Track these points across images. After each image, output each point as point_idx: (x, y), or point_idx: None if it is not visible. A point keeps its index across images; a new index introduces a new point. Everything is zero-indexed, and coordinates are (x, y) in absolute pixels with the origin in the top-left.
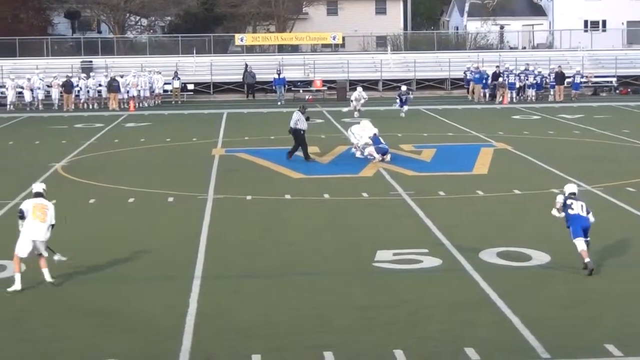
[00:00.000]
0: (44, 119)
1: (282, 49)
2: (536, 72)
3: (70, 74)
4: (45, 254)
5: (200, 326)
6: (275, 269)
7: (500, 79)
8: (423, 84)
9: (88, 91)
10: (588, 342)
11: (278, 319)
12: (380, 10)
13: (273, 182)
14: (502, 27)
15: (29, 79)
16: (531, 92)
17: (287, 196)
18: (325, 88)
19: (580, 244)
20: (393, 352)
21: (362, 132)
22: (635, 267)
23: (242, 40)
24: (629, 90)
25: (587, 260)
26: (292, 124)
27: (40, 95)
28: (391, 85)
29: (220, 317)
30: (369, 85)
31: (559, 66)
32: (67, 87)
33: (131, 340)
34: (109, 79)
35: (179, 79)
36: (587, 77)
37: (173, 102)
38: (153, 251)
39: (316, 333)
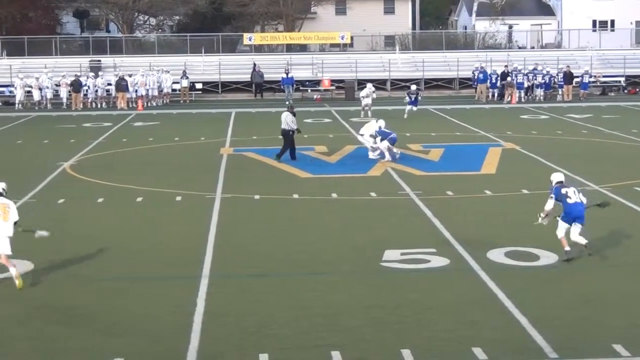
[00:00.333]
0: (53, 118)
1: (290, 48)
2: (544, 72)
3: (78, 73)
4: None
5: (208, 325)
6: (283, 269)
7: (509, 79)
8: (431, 84)
9: (96, 90)
10: (596, 342)
11: (286, 318)
12: (389, 10)
13: (281, 182)
14: (510, 27)
15: (37, 78)
16: (539, 92)
17: (295, 196)
18: (333, 87)
19: (561, 232)
20: (400, 351)
21: (365, 131)
22: None
23: (250, 40)
24: (637, 90)
25: (567, 248)
26: (283, 126)
27: (49, 94)
28: (399, 84)
29: (227, 316)
30: (378, 85)
31: (568, 66)
32: (76, 86)
33: (139, 340)
34: (117, 78)
35: (187, 78)
36: (595, 76)
37: (181, 102)
38: (161, 250)
39: (324, 332)
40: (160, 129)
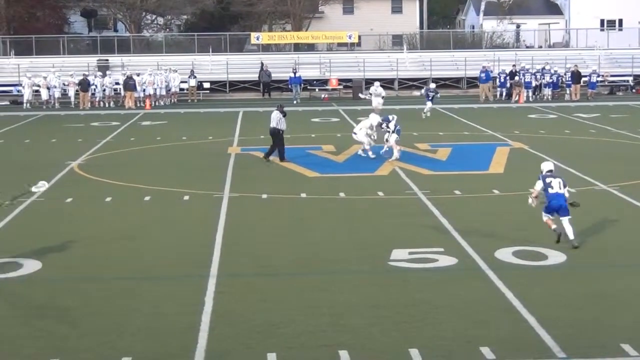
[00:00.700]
0: (61, 117)
1: (298, 47)
2: (552, 71)
3: (86, 73)
4: None
5: (216, 324)
6: (291, 268)
7: (517, 78)
8: (439, 83)
9: (104, 90)
10: (604, 342)
11: (293, 317)
12: (396, 9)
13: (288, 181)
14: (518, 26)
15: (45, 78)
16: (547, 91)
17: (303, 195)
18: (341, 87)
19: (545, 217)
20: (408, 350)
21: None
22: None
23: (258, 39)
24: None
25: (553, 227)
26: (273, 124)
27: (57, 93)
28: (407, 84)
29: (235, 316)
30: (385, 84)
31: (575, 65)
32: (84, 85)
33: (146, 339)
34: (125, 77)
35: (195, 77)
36: (603, 76)
37: (189, 101)
38: (168, 249)
39: (331, 332)
40: (168, 128)
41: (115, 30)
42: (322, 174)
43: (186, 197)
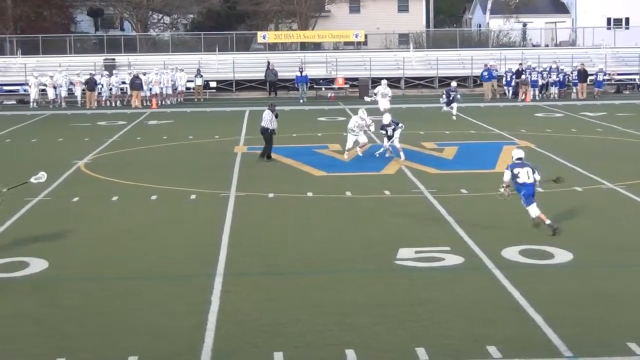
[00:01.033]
0: (67, 116)
1: (304, 46)
2: (559, 70)
3: (93, 72)
4: None
5: (222, 324)
6: (297, 267)
7: (523, 77)
8: (445, 82)
9: (111, 89)
10: (611, 341)
11: (300, 316)
12: (403, 8)
13: (295, 180)
14: (524, 25)
15: (51, 77)
16: (554, 90)
17: (309, 194)
18: (347, 86)
19: (533, 210)
20: (415, 350)
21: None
22: None
23: (264, 38)
24: None
25: (548, 222)
26: (263, 123)
27: (64, 92)
28: (413, 83)
29: (241, 315)
30: (392, 83)
31: (582, 64)
32: (90, 84)
33: (153, 338)
34: (132, 76)
35: (201, 76)
36: (610, 74)
37: (195, 100)
38: (175, 248)
39: (338, 331)
40: (174, 127)
41: (122, 30)
42: (329, 173)
43: (193, 196)
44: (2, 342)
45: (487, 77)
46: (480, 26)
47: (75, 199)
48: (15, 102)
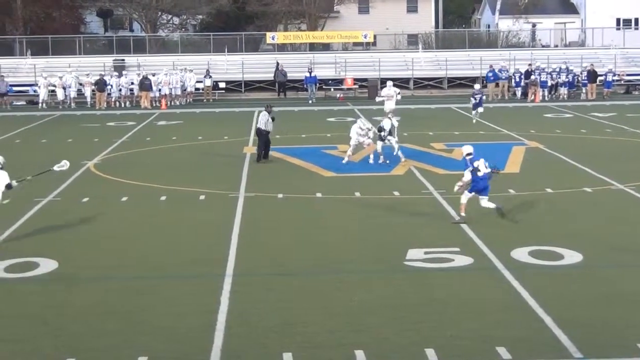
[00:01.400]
0: (77, 117)
1: (313, 47)
2: (568, 71)
3: (103, 73)
4: None
5: (232, 324)
6: (306, 267)
7: (532, 77)
8: (454, 82)
9: (120, 89)
10: (621, 342)
11: (309, 317)
12: (412, 9)
13: (304, 181)
14: (534, 25)
15: (60, 77)
16: (563, 91)
17: (319, 194)
18: (356, 86)
19: (465, 199)
20: (424, 350)
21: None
22: None
23: (273, 39)
24: None
25: (463, 213)
26: (259, 125)
27: (73, 93)
28: (422, 83)
29: (251, 315)
30: (401, 83)
31: (591, 64)
32: (100, 85)
33: (162, 338)
34: (141, 77)
35: (210, 77)
36: (619, 75)
37: (204, 101)
38: (184, 249)
39: (347, 331)
40: (183, 128)
41: (131, 30)
42: (338, 174)
43: (202, 197)
44: (12, 342)
45: (492, 78)
46: (489, 27)
47: (85, 199)
48: (25, 103)
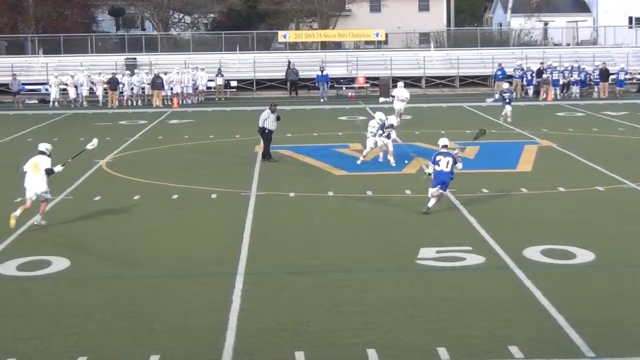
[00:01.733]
0: (88, 115)
1: (325, 45)
2: (580, 69)
3: (115, 71)
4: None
5: (243, 322)
6: (318, 266)
7: (544, 76)
8: (466, 81)
9: (132, 88)
10: (633, 341)
11: (321, 316)
12: (424, 7)
13: (316, 179)
14: (546, 24)
15: (72, 76)
16: (575, 89)
17: (330, 193)
18: (368, 85)
19: (432, 191)
20: (436, 349)
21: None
22: None
23: (285, 37)
24: None
25: (430, 205)
26: (260, 124)
27: (85, 92)
28: (434, 82)
29: (263, 314)
30: (412, 82)
31: (603, 63)
32: (112, 84)
33: (174, 336)
34: (152, 76)
35: (222, 75)
36: (631, 73)
37: (216, 99)
38: (196, 247)
39: (359, 330)
40: (195, 126)
41: (143, 29)
42: (350, 172)
43: (214, 196)
44: (25, 341)
45: (500, 76)
46: (501, 25)
47: (97, 197)
48: (37, 102)
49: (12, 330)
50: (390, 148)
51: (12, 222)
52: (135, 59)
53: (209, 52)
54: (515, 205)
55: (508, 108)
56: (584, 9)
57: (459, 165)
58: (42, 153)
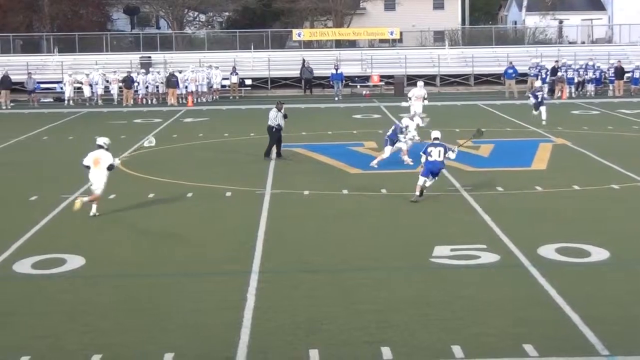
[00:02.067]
0: (103, 114)
1: (339, 44)
2: (595, 67)
3: (130, 70)
4: (99, 192)
5: (258, 320)
6: (333, 264)
7: (559, 74)
8: (481, 79)
9: (147, 87)
10: None
11: (335, 314)
12: (438, 5)
13: (330, 178)
14: (560, 22)
15: (87, 75)
16: (590, 87)
17: (345, 191)
18: (382, 83)
19: (422, 181)
20: (451, 347)
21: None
22: None
23: (299, 36)
24: None
25: (417, 193)
26: (269, 122)
27: (100, 90)
28: (449, 80)
29: (277, 312)
30: (427, 80)
31: (619, 61)
32: (127, 82)
33: (188, 334)
34: (167, 74)
35: (236, 74)
36: None
37: (231, 98)
38: (210, 245)
39: (373, 328)
40: (210, 125)
41: (158, 28)
42: (364, 171)
43: (228, 194)
44: (39, 338)
45: (512, 74)
46: (516, 23)
47: (112, 196)
48: (52, 100)
49: (27, 328)
50: (404, 148)
51: (78, 205)
52: (150, 57)
53: (223, 50)
54: (529, 204)
55: (543, 110)
56: (599, 6)
57: (451, 155)
58: (101, 147)
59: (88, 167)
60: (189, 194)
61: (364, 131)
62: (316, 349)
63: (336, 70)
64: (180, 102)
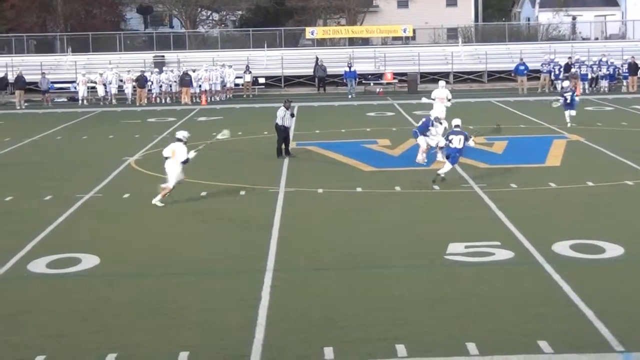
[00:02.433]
0: (117, 113)
1: (352, 42)
2: (609, 63)
3: (143, 69)
4: (171, 185)
5: (272, 318)
6: (347, 262)
7: (573, 70)
8: (494, 76)
9: (161, 86)
10: None
11: (350, 311)
12: (451, 2)
13: (344, 175)
14: (574, 18)
15: (101, 74)
16: (604, 83)
17: (359, 189)
18: (396, 81)
19: (447, 167)
20: (465, 344)
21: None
22: None
23: (312, 34)
24: None
25: (440, 172)
26: (277, 121)
27: (114, 90)
28: (462, 77)
29: (292, 310)
30: (440, 77)
31: (632, 57)
32: (141, 81)
33: (203, 332)
34: (181, 73)
35: (250, 72)
36: None
37: (244, 96)
38: (225, 244)
39: (388, 326)
40: (223, 123)
41: (171, 27)
42: (378, 168)
43: (242, 192)
44: (54, 338)
45: (523, 70)
46: (529, 20)
47: (126, 195)
48: (66, 100)
49: (42, 328)
50: (423, 146)
51: (160, 198)
52: (163, 56)
53: (237, 49)
54: (543, 200)
55: (572, 112)
56: (613, 2)
57: (471, 142)
58: (179, 140)
59: (167, 158)
60: (203, 193)
61: (377, 129)
62: (330, 346)
63: (349, 68)
64: (194, 101)
